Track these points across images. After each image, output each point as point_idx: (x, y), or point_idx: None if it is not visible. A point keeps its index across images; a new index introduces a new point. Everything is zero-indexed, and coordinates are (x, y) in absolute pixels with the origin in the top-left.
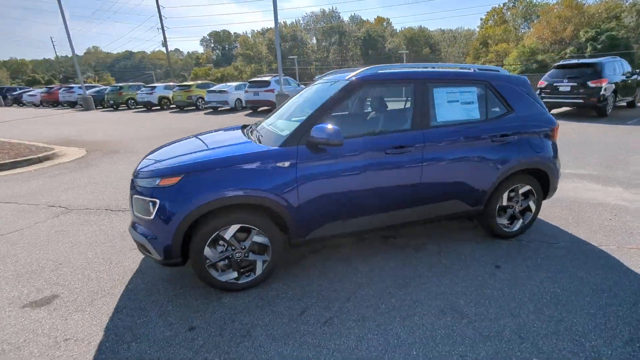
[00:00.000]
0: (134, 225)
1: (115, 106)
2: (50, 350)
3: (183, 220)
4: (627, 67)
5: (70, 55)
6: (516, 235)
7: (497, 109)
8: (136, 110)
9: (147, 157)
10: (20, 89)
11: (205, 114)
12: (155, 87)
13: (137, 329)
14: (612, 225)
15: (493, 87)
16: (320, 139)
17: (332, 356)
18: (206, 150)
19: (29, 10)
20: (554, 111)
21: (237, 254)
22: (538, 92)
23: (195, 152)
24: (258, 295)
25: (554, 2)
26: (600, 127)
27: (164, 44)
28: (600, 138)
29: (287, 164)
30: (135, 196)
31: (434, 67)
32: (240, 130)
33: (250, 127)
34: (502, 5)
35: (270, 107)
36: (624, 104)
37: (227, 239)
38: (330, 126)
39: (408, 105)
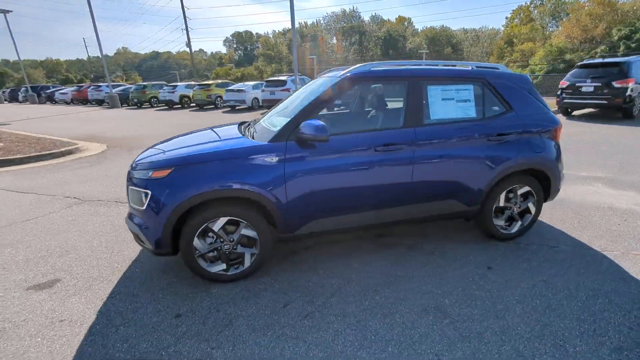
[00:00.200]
0: (130, 216)
1: (139, 104)
2: (45, 329)
3: (173, 212)
4: None
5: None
6: (514, 237)
7: (495, 108)
8: (158, 108)
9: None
10: (53, 87)
11: (223, 112)
12: (176, 86)
13: (128, 314)
14: (620, 230)
15: (491, 85)
16: (308, 135)
17: (308, 349)
18: (201, 144)
19: (64, 13)
20: (576, 112)
21: (226, 246)
22: (559, 92)
23: (190, 145)
24: (245, 287)
25: (584, 0)
26: (625, 129)
27: (188, 44)
28: (620, 140)
29: (275, 159)
30: (131, 187)
31: (430, 65)
32: (236, 126)
33: (248, 124)
34: (529, 3)
35: None
36: None
37: (216, 230)
38: (316, 122)
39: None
